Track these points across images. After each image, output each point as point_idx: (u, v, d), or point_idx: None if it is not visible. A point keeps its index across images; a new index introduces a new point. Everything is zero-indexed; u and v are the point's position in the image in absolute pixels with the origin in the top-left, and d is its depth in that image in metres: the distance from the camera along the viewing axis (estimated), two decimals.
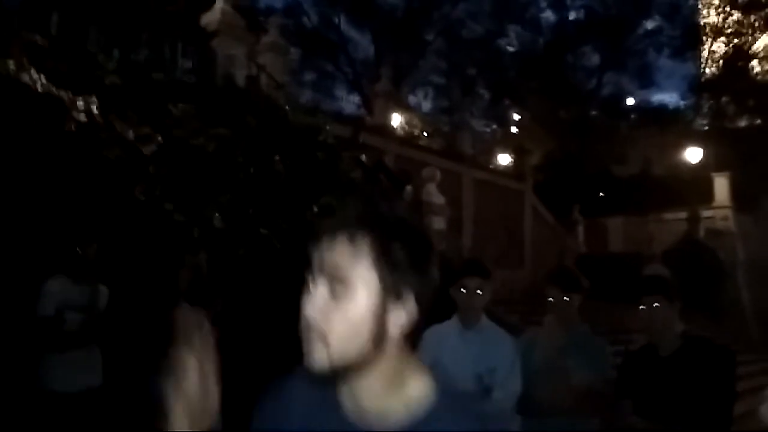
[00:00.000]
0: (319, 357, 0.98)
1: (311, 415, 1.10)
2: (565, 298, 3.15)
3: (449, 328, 2.95)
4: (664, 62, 29.63)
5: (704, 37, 28.54)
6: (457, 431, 1.00)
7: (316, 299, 0.99)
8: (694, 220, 9.31)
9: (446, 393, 1.06)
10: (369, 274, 0.99)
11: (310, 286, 1.01)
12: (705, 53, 28.75)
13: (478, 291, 2.89)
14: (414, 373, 1.07)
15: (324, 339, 0.97)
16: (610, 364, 3.16)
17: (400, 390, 1.04)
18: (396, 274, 1.00)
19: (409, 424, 1.01)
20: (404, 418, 1.02)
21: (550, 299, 3.18)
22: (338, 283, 0.98)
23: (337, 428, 1.05)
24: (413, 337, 1.06)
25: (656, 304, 2.68)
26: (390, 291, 1.00)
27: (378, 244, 0.99)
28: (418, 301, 1.02)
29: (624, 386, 2.82)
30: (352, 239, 0.99)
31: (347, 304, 0.98)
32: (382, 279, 0.99)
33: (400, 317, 1.01)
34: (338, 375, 1.01)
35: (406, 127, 17.21)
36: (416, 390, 1.04)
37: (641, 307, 2.72)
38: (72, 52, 5.64)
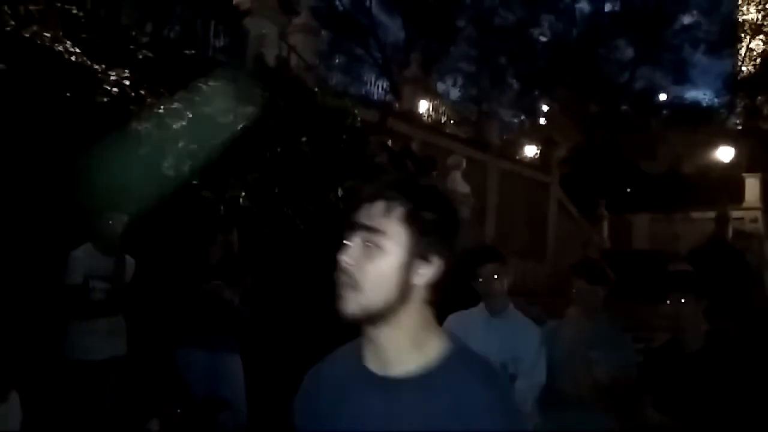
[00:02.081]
0: (352, 301, 1.08)
1: (339, 376, 1.19)
2: (589, 289, 3.11)
3: (476, 314, 2.91)
4: (700, 58, 28.85)
5: (742, 35, 27.87)
6: (470, 393, 1.07)
7: (351, 250, 1.10)
8: (722, 220, 9.15)
9: (464, 356, 1.14)
10: (400, 235, 1.09)
11: (347, 239, 1.11)
12: (742, 51, 28.08)
13: (494, 276, 2.85)
14: (434, 332, 1.16)
15: (356, 285, 1.08)
16: (633, 357, 3.12)
17: (419, 345, 1.12)
18: (424, 237, 1.10)
19: (425, 379, 1.09)
20: (420, 372, 1.10)
21: (575, 290, 3.15)
22: (372, 240, 1.09)
23: (356, 378, 1.14)
24: (436, 300, 1.15)
25: (683, 300, 2.63)
26: (417, 252, 1.10)
27: (411, 209, 1.09)
28: (442, 263, 1.12)
29: (646, 381, 2.78)
30: (388, 203, 1.09)
31: (378, 258, 1.09)
32: (411, 240, 1.09)
33: (424, 275, 1.11)
34: (366, 321, 1.11)
35: (434, 114, 17.05)
36: (435, 348, 1.13)
37: (668, 302, 2.68)
38: (106, 26, 5.70)
